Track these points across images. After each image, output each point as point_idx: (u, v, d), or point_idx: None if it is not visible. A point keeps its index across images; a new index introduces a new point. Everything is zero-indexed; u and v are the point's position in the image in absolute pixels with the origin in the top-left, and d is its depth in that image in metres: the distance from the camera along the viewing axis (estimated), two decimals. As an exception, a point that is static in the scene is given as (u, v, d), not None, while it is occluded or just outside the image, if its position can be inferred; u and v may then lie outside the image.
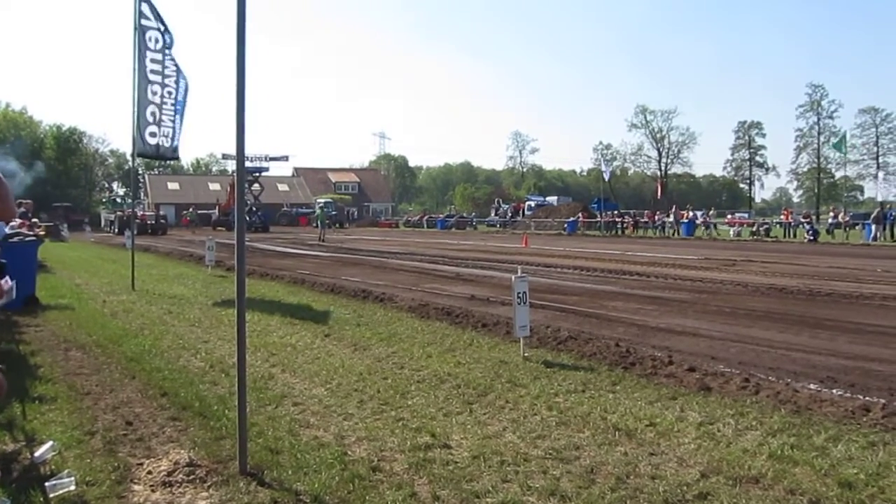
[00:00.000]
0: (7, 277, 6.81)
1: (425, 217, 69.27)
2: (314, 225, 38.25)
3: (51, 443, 4.28)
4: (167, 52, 12.58)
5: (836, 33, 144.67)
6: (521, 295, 6.94)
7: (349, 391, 5.69)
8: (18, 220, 13.17)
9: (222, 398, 5.41)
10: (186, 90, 12.91)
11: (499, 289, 12.51)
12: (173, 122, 12.74)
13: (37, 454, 4.12)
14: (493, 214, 66.32)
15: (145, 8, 12.21)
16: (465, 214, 72.35)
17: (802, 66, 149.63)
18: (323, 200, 70.94)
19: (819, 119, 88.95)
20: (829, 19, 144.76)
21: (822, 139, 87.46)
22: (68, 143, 77.94)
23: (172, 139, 12.85)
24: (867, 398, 5.33)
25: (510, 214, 61.65)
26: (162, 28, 12.52)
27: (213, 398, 5.44)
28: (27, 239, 11.20)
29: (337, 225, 61.12)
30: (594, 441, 4.43)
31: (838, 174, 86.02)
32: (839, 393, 5.54)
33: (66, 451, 4.26)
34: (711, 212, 49.12)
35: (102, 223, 57.30)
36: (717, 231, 42.02)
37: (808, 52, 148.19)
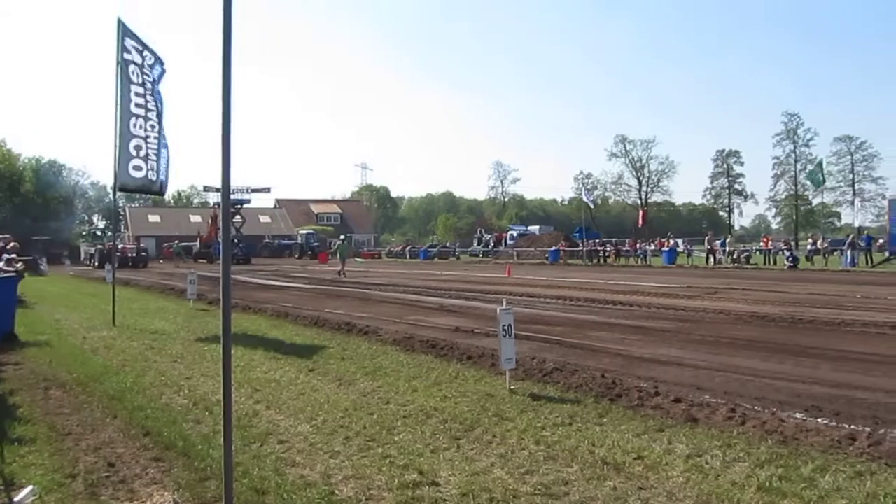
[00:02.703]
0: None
1: (408, 247, 69.19)
2: (334, 258, 37.87)
3: (31, 487, 4.18)
4: (152, 86, 12.57)
5: (812, 62, 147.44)
6: (506, 327, 6.93)
7: (335, 427, 5.64)
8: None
9: (206, 437, 5.34)
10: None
11: (483, 320, 12.49)
12: (158, 155, 12.66)
13: (16, 499, 4.03)
14: (475, 244, 66.45)
15: (129, 43, 12.22)
16: (447, 244, 72.44)
17: (780, 95, 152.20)
18: (305, 231, 71.06)
19: (795, 147, 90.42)
20: (806, 48, 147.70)
21: (798, 167, 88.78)
22: (47, 176, 77.43)
23: (159, 173, 12.76)
24: (852, 427, 5.35)
25: (493, 244, 61.81)
26: (150, 61, 12.53)
27: (196, 437, 5.37)
28: (6, 275, 11.08)
29: (310, 255, 61.20)
30: (583, 476, 4.41)
31: (815, 201, 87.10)
32: (825, 422, 5.56)
33: (46, 495, 4.18)
34: (729, 240, 48.14)
35: (82, 256, 56.80)
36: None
37: (786, 80, 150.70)
